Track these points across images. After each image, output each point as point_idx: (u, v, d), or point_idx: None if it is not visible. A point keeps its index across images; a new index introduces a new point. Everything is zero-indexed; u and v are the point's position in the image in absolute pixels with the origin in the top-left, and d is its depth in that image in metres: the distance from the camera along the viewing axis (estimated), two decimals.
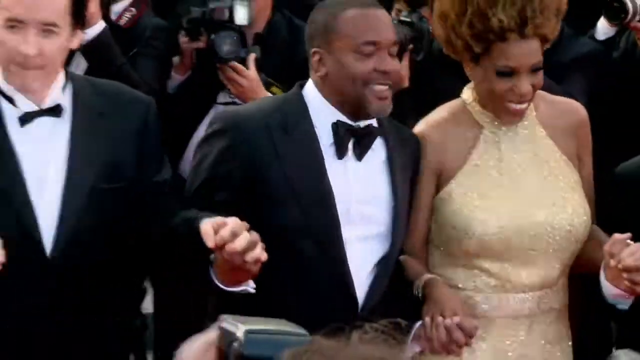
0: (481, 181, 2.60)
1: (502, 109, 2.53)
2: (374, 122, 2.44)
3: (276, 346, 1.05)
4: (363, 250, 2.44)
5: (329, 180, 2.38)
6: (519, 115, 2.57)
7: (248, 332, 1.07)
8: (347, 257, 2.39)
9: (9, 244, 2.13)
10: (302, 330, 1.12)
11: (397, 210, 2.46)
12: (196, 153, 2.48)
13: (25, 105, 2.27)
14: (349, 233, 2.39)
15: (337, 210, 2.39)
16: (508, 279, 2.55)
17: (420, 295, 2.39)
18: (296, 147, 2.37)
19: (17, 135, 2.26)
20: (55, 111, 2.29)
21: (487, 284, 2.56)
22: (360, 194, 2.43)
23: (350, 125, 2.38)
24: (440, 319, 2.35)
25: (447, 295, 2.40)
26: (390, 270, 2.47)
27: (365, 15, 2.42)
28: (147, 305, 3.37)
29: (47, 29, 2.18)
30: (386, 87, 2.37)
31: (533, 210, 2.56)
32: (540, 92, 2.65)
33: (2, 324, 2.27)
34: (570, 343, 2.65)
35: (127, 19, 3.13)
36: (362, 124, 2.41)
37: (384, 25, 2.44)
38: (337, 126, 2.37)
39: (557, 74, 3.11)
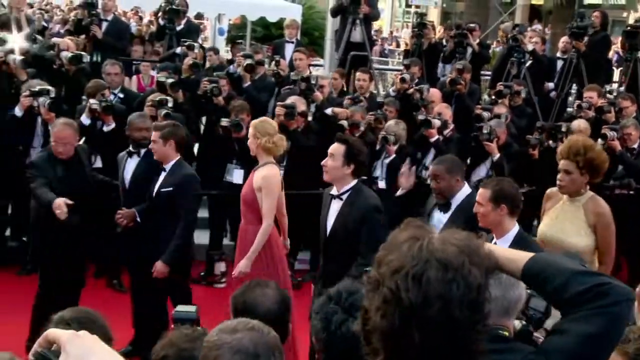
0: (551, 217, 4.90)
1: None
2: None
3: None
4: None
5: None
6: (560, 189, 4.80)
7: None
8: None
9: None
10: None
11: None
12: None
13: (333, 191, 4.99)
14: None
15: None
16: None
17: None
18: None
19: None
20: (340, 197, 4.93)
21: None
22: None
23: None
24: None
25: None
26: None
27: None
28: None
29: None
30: None
31: (562, 234, 4.78)
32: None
33: None
34: None
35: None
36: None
37: None
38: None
39: None
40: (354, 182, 4.94)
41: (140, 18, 17.46)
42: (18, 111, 7.05)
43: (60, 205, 5.41)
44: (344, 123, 7.64)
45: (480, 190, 4.36)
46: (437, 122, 7.71)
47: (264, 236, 5.49)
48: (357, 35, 9.76)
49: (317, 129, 7.67)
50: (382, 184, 7.67)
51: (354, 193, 4.91)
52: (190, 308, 2.75)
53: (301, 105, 7.57)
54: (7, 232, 7.98)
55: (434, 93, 8.48)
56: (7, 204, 7.79)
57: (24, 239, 7.85)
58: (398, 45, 22.76)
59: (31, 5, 13.88)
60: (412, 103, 8.27)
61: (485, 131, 7.31)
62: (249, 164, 7.29)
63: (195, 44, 8.79)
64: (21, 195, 7.39)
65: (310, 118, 7.75)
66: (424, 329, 1.46)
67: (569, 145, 4.72)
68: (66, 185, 5.75)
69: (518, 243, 4.14)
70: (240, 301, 2.96)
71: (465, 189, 5.19)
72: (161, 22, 9.73)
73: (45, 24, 12.53)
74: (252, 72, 8.51)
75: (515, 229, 4.31)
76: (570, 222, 4.75)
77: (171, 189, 5.62)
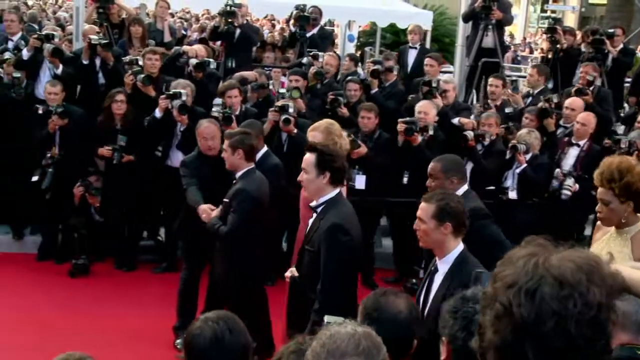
0: (597, 251, 3.79)
1: None
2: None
3: None
4: None
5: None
6: (601, 222, 4.07)
7: None
8: None
9: None
10: None
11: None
12: None
13: (313, 203, 4.57)
14: None
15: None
16: None
17: None
18: None
19: None
20: (316, 210, 4.54)
21: None
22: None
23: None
24: None
25: None
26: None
27: None
28: None
29: None
30: None
31: None
32: None
33: None
34: None
35: None
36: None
37: None
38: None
39: None
40: (334, 192, 4.49)
41: (273, 25, 17.94)
42: (158, 113, 7.54)
43: (205, 209, 5.70)
44: (469, 134, 7.53)
45: (423, 205, 3.86)
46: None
47: None
48: (489, 41, 9.60)
49: (442, 139, 7.57)
50: (512, 194, 7.55)
51: (327, 206, 4.46)
52: (339, 319, 2.76)
53: (431, 110, 7.54)
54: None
55: (575, 101, 8.11)
56: (146, 206, 8.21)
57: (159, 237, 8.27)
58: (531, 52, 22.06)
59: (172, 15, 14.58)
60: (543, 111, 8.02)
61: (623, 145, 7.10)
62: (371, 170, 7.49)
63: (320, 54, 8.90)
64: (158, 197, 7.90)
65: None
66: (538, 345, 1.44)
67: (601, 171, 3.93)
68: (214, 183, 6.01)
69: (459, 265, 3.77)
70: (370, 307, 2.94)
71: (461, 191, 4.80)
72: (292, 29, 9.94)
73: (184, 32, 13.13)
74: (379, 79, 8.55)
75: (458, 248, 3.83)
76: (620, 252, 4.02)
77: (227, 200, 5.57)
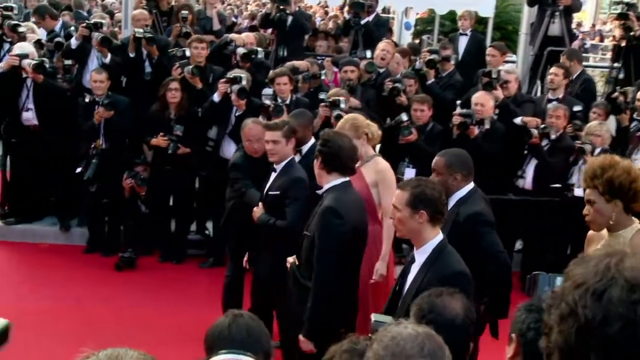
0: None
1: None
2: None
3: None
4: None
5: None
6: (589, 225, 3.87)
7: None
8: None
9: None
10: None
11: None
12: None
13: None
14: None
15: None
16: None
17: None
18: None
19: None
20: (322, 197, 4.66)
21: None
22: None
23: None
24: None
25: None
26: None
27: None
28: None
29: None
30: None
31: None
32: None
33: None
34: None
35: None
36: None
37: None
38: None
39: None
40: (337, 180, 4.54)
41: (326, 13, 17.85)
42: (216, 97, 7.56)
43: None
44: (533, 131, 7.35)
45: (397, 192, 3.84)
46: None
47: (392, 233, 5.21)
48: (555, 28, 9.22)
49: (502, 132, 7.37)
50: (578, 192, 7.26)
51: (327, 194, 4.53)
52: (387, 318, 2.79)
53: (489, 102, 7.39)
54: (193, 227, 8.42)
55: None
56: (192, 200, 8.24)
57: (207, 232, 8.28)
58: (602, 40, 21.44)
59: (223, 2, 14.63)
60: (615, 105, 7.74)
61: None
62: (421, 163, 7.32)
63: (368, 53, 8.66)
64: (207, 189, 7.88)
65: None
66: (602, 349, 1.40)
67: (585, 170, 3.89)
68: (262, 183, 5.85)
69: (437, 255, 3.73)
70: (425, 308, 2.88)
71: (465, 190, 4.64)
72: (346, 16, 9.81)
73: (235, 19, 13.14)
74: (435, 69, 8.39)
75: (437, 238, 3.77)
76: None
77: (278, 192, 5.41)
